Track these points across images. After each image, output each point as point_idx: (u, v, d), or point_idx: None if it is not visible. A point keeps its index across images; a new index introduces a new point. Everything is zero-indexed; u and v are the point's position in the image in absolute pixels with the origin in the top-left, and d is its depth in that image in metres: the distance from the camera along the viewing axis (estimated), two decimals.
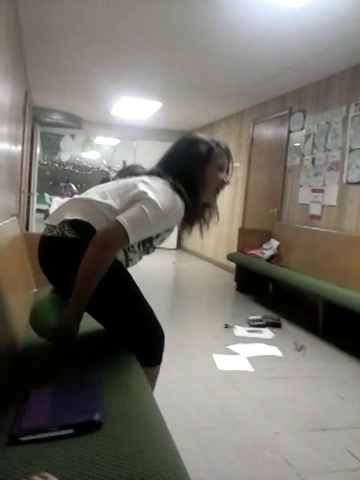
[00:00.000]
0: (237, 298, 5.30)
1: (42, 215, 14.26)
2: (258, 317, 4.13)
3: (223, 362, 3.08)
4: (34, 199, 8.57)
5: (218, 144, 1.80)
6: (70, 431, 1.09)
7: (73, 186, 15.54)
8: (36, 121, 8.02)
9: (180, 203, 1.62)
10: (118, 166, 18.02)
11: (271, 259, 5.10)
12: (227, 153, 1.82)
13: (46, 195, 15.56)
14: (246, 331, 3.85)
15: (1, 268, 1.72)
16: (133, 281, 1.76)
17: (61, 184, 15.49)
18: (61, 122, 8.27)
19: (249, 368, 3.01)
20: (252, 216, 6.41)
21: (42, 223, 13.35)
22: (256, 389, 2.69)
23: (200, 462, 1.89)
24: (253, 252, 5.33)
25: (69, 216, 1.63)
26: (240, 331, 3.83)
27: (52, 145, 12.85)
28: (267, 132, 6.14)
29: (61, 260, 1.62)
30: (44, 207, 14.76)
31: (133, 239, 1.52)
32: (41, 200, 14.53)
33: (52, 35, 4.16)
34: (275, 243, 5.29)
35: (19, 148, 5.22)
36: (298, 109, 5.31)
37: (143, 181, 1.65)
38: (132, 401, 1.29)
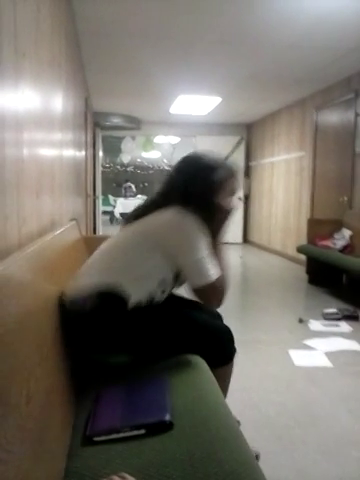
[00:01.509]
0: (309, 291, 5.14)
1: (107, 217, 14.63)
2: (333, 310, 3.98)
3: (300, 358, 2.99)
4: (100, 202, 8.79)
5: (229, 168, 1.74)
6: (142, 431, 1.09)
7: (133, 186, 15.79)
8: (97, 126, 8.22)
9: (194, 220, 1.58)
10: None
11: (344, 249, 4.89)
12: (236, 175, 1.77)
13: (110, 197, 15.95)
14: (322, 325, 3.71)
15: (63, 270, 1.76)
16: (162, 308, 1.72)
17: (123, 185, 15.80)
18: (121, 124, 8.42)
19: (328, 363, 2.90)
20: (321, 206, 6.20)
21: (108, 225, 13.76)
22: (337, 385, 2.59)
23: (283, 462, 1.84)
24: (324, 243, 5.14)
25: None
26: (315, 325, 3.71)
27: (113, 148, 13.12)
28: (332, 118, 5.89)
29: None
30: (109, 209, 15.13)
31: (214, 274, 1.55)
32: (106, 202, 14.91)
33: (108, 39, 4.22)
34: (347, 232, 5.07)
35: (83, 153, 5.37)
36: None
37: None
38: (201, 400, 1.27)
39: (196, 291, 1.57)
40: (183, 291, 1.79)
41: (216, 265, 1.58)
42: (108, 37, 4.14)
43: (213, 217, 1.67)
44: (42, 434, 0.92)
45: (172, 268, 1.63)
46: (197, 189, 1.65)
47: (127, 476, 0.82)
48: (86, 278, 1.62)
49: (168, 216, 1.59)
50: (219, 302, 1.61)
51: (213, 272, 1.54)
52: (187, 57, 4.73)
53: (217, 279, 1.55)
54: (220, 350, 1.71)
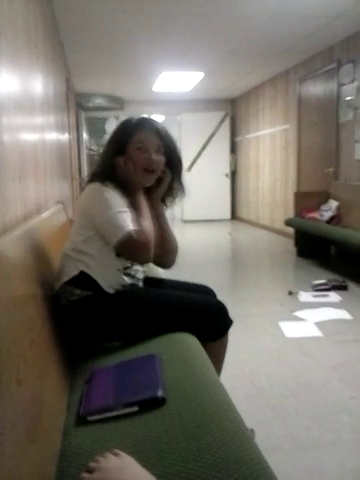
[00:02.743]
0: (298, 264, 5.19)
1: None
2: (322, 281, 4.03)
3: (290, 329, 3.03)
4: None
5: (138, 122, 1.69)
6: (135, 409, 1.11)
7: None
8: (79, 107, 8.10)
9: (108, 188, 1.59)
10: None
11: (331, 221, 4.93)
12: (152, 129, 1.69)
13: None
14: (311, 296, 3.76)
15: (51, 253, 1.76)
16: (147, 291, 1.76)
17: None
18: (104, 105, 8.31)
19: (318, 333, 2.95)
20: (307, 178, 6.21)
21: None
22: (327, 354, 2.64)
23: (277, 430, 1.88)
24: (311, 215, 5.17)
25: None
26: (305, 297, 3.75)
27: (98, 129, 12.97)
28: (315, 89, 5.86)
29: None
30: None
31: (131, 226, 1.51)
32: None
33: (86, 16, 4.13)
34: (334, 204, 5.10)
35: (66, 136, 5.30)
36: (347, 60, 5.02)
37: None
38: (193, 376, 1.29)
39: (117, 248, 1.55)
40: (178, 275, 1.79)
41: (134, 219, 1.54)
42: (85, 14, 4.05)
43: (123, 178, 1.64)
44: (36, 415, 0.93)
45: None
46: (107, 156, 1.70)
47: (120, 452, 0.83)
48: (63, 264, 1.64)
49: (84, 192, 1.66)
50: (143, 255, 1.54)
51: (128, 224, 1.50)
52: (166, 32, 4.65)
53: (135, 231, 1.50)
54: (214, 323, 1.70)
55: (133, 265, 1.71)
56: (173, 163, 1.76)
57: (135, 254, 1.56)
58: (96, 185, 1.60)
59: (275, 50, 5.52)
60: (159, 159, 1.68)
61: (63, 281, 1.58)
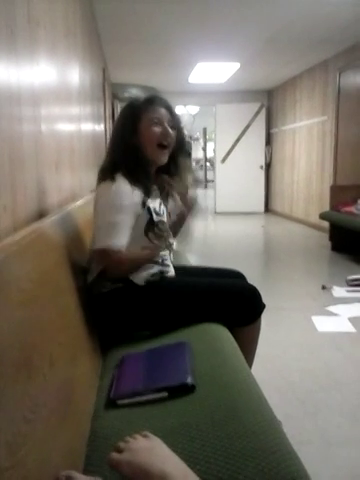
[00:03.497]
0: (333, 258, 5.09)
1: None
2: (357, 276, 3.94)
3: (323, 324, 2.99)
4: None
5: (147, 99, 1.67)
6: (164, 394, 1.12)
7: None
8: (115, 97, 8.15)
9: (117, 184, 1.56)
10: (199, 134, 17.91)
11: None
12: (162, 104, 1.67)
13: None
14: (345, 291, 3.69)
15: (85, 240, 1.78)
16: (177, 282, 1.75)
17: None
18: (139, 96, 8.31)
19: (351, 329, 2.89)
20: (344, 171, 6.06)
21: None
22: None
23: (306, 426, 1.86)
24: (348, 209, 5.06)
25: None
26: (339, 292, 3.68)
27: None
28: (356, 80, 5.70)
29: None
30: None
31: (117, 243, 1.51)
32: None
33: (123, 6, 4.14)
34: None
35: (102, 126, 5.35)
36: None
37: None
38: (223, 365, 1.29)
39: (93, 253, 1.57)
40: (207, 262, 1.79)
41: (124, 235, 1.53)
42: (123, 4, 4.06)
43: (137, 154, 1.63)
44: (67, 396, 0.96)
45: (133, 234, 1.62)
46: (116, 133, 1.69)
47: (149, 434, 0.84)
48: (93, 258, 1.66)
49: (96, 194, 1.63)
50: (111, 271, 1.57)
51: (112, 240, 1.50)
52: (203, 21, 4.61)
53: (115, 251, 1.50)
54: (247, 306, 1.69)
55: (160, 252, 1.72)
56: (181, 139, 1.75)
57: (105, 267, 1.56)
58: (105, 185, 1.58)
59: (314, 39, 5.39)
60: (173, 133, 1.68)
61: (94, 275, 1.60)
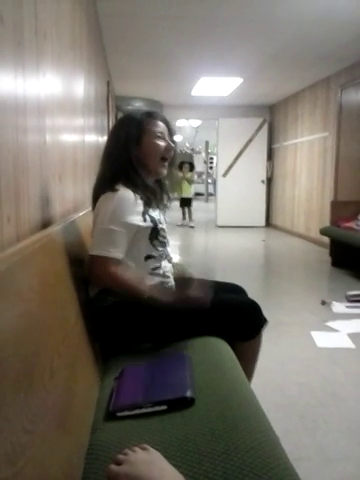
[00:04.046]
0: (333, 273, 5.09)
1: None
2: (357, 292, 3.94)
3: (322, 339, 2.98)
4: None
5: (148, 113, 1.72)
6: (164, 407, 1.11)
7: None
8: (119, 110, 8.21)
9: (121, 192, 1.57)
10: (201, 147, 18.03)
11: None
12: (162, 119, 1.73)
13: None
14: (345, 307, 3.68)
15: (84, 252, 1.78)
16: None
17: None
18: (143, 109, 8.37)
19: (351, 345, 2.88)
20: (345, 187, 6.09)
21: None
22: (359, 366, 2.58)
23: (305, 441, 1.85)
24: (348, 225, 5.07)
25: None
26: (338, 307, 3.68)
27: None
28: (357, 97, 5.75)
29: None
30: None
31: (115, 253, 1.51)
32: None
33: (128, 20, 4.20)
34: None
35: (105, 138, 5.37)
36: None
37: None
38: (223, 378, 1.29)
39: (90, 257, 1.56)
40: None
41: (120, 245, 1.53)
42: (128, 18, 4.12)
43: (139, 167, 1.64)
44: (66, 407, 0.95)
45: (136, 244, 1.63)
46: (116, 146, 1.69)
47: (148, 447, 0.84)
48: None
49: (96, 207, 1.63)
50: (99, 280, 1.56)
51: (110, 249, 1.51)
52: (208, 37, 4.67)
53: (111, 261, 1.50)
54: (248, 321, 1.69)
55: (161, 263, 1.72)
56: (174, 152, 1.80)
57: (93, 274, 1.55)
58: (107, 195, 1.59)
59: (316, 56, 5.46)
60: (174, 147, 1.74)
61: (96, 291, 1.60)
